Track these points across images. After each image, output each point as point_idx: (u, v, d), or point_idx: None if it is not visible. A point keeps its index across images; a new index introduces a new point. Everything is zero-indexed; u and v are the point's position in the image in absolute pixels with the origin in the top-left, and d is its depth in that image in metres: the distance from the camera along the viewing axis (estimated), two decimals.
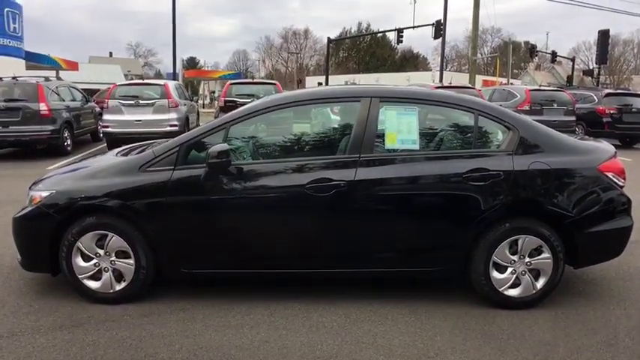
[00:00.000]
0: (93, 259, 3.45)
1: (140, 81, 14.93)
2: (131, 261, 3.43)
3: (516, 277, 3.44)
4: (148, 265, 3.43)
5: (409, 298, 3.60)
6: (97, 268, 3.46)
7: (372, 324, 3.25)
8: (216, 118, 6.21)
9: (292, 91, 4.39)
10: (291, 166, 3.44)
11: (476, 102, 3.69)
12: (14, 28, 21.08)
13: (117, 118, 11.42)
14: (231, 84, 13.95)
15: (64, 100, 11.63)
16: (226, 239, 3.44)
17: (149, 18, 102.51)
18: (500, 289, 3.43)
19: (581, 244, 3.45)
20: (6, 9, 20.40)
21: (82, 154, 10.40)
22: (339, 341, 3.03)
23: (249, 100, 7.11)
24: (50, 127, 10.52)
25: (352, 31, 71.92)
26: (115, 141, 10.80)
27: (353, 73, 64.29)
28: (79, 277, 3.46)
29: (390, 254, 3.47)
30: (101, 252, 3.43)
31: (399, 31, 31.02)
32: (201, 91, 47.09)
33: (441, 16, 28.24)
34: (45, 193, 3.49)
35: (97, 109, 13.50)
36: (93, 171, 3.63)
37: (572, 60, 41.64)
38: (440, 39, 28.89)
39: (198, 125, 11.88)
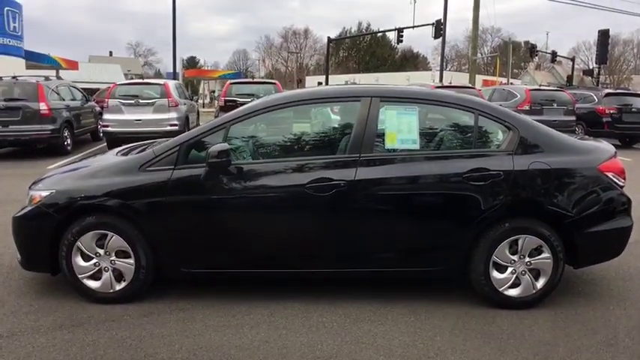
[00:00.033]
0: (93, 258, 3.44)
1: (140, 80, 14.89)
2: (131, 261, 3.42)
3: (516, 277, 3.44)
4: (148, 264, 3.43)
5: (409, 298, 3.59)
6: (96, 268, 3.45)
7: (372, 324, 3.25)
8: (216, 117, 6.21)
9: (292, 91, 4.38)
10: (291, 166, 3.44)
11: (476, 102, 3.69)
12: (14, 27, 21.11)
13: (117, 118, 11.41)
14: (231, 83, 13.95)
15: (64, 100, 11.61)
16: (226, 239, 3.44)
17: (149, 17, 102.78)
18: (500, 289, 3.43)
19: (581, 244, 3.45)
20: (6, 8, 20.43)
21: (82, 154, 10.41)
22: (339, 341, 3.03)
23: (249, 100, 7.11)
24: (50, 127, 10.51)
25: (352, 30, 71.96)
26: (115, 140, 10.79)
27: (353, 72, 64.30)
28: (79, 276, 3.45)
29: (390, 254, 3.47)
30: (101, 251, 3.43)
31: (399, 30, 31.00)
32: (201, 91, 47.07)
33: (441, 16, 28.28)
34: (45, 193, 3.49)
35: (97, 109, 13.49)
36: (93, 170, 3.63)
37: (572, 60, 41.67)
38: (440, 39, 28.89)
39: (198, 125, 11.91)
